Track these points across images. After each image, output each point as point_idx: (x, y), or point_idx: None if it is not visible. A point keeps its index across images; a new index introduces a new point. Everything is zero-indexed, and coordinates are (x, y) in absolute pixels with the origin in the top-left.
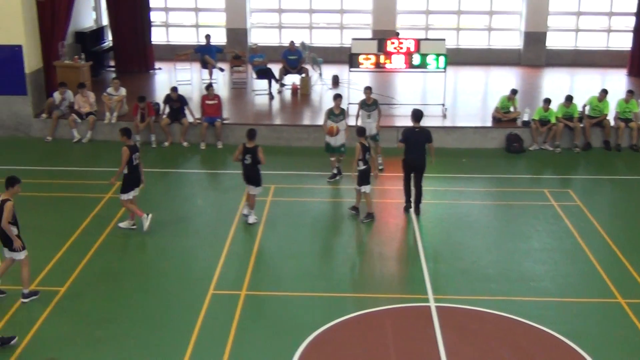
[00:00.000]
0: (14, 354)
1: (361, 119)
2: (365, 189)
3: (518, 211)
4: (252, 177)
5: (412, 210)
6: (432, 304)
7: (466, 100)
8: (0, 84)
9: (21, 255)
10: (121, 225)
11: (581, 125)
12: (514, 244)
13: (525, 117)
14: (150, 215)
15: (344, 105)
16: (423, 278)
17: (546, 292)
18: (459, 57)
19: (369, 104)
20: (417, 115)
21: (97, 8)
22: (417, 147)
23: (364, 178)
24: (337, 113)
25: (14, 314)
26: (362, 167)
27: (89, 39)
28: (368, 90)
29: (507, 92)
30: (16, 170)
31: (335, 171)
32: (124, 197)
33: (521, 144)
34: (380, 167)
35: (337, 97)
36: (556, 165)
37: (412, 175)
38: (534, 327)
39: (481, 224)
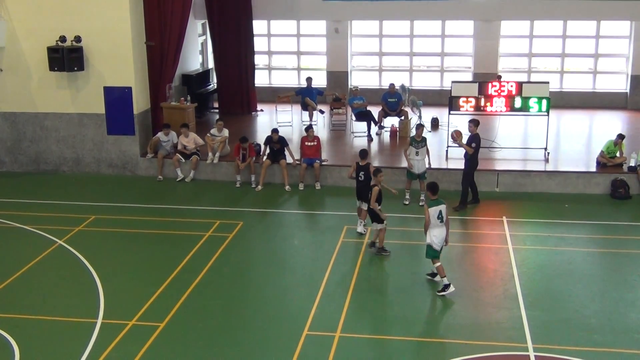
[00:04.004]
0: None
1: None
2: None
3: (623, 259)
4: (365, 193)
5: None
6: (532, 353)
7: (569, 145)
8: (110, 124)
9: None
10: None
11: None
12: (619, 293)
13: (632, 163)
14: None
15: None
16: (522, 326)
17: None
18: (562, 101)
19: (418, 141)
20: (477, 122)
21: (203, 52)
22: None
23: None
24: (418, 140)
25: (114, 349)
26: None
27: (195, 82)
28: (421, 127)
29: (614, 137)
30: (123, 208)
31: (407, 196)
32: None
33: (627, 190)
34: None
35: (420, 127)
36: None
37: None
38: None
39: (584, 272)
